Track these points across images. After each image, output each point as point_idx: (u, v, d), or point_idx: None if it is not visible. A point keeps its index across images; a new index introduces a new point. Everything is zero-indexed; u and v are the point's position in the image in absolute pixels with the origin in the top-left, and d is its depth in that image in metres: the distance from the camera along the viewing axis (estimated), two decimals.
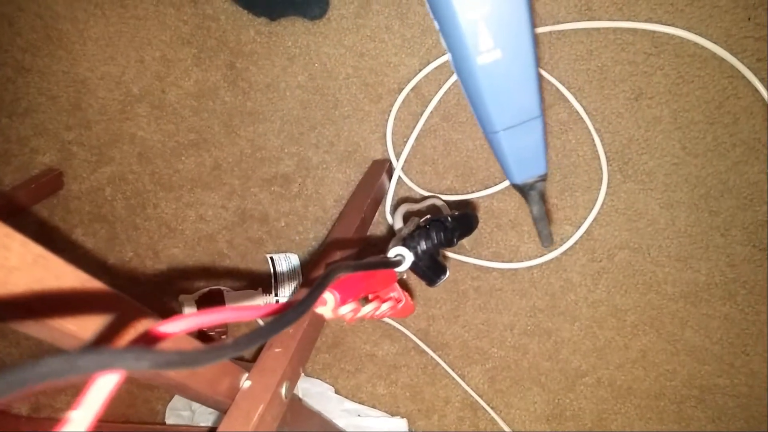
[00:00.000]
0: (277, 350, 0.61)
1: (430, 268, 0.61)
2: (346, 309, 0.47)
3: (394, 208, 0.95)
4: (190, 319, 0.29)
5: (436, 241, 0.60)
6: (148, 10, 1.02)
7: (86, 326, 0.36)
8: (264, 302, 0.98)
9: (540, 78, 0.43)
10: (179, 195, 1.04)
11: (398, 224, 0.71)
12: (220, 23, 1.01)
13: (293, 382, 0.61)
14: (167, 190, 1.04)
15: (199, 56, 1.02)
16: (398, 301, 0.59)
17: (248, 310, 0.34)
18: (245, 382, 0.57)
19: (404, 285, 0.65)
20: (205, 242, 1.04)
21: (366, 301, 0.57)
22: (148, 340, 0.28)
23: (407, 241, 0.59)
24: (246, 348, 0.28)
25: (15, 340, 1.08)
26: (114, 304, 0.38)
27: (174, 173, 1.04)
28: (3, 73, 1.05)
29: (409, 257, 0.57)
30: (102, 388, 0.22)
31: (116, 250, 1.06)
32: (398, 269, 0.58)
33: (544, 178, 0.52)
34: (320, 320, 0.68)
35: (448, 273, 0.62)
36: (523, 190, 0.51)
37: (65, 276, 0.34)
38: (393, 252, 0.58)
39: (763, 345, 0.90)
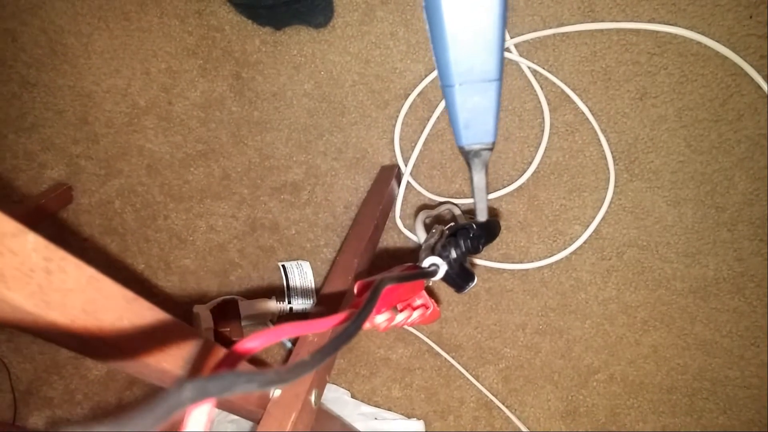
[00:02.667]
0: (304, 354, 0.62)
1: (460, 276, 0.62)
2: (382, 318, 0.48)
3: (414, 216, 0.96)
4: (266, 336, 0.30)
5: (464, 249, 0.61)
6: (152, 22, 1.03)
7: (134, 343, 0.37)
8: (277, 310, 0.99)
9: (504, 43, 0.44)
10: (189, 206, 1.05)
11: (421, 233, 0.72)
12: (225, 33, 1.01)
13: (321, 389, 0.62)
14: (177, 201, 1.05)
15: (204, 67, 1.03)
16: (426, 307, 0.61)
17: (315, 324, 0.35)
18: (275, 392, 0.58)
19: (429, 291, 0.66)
20: (217, 252, 1.05)
21: (396, 309, 0.58)
22: (232, 358, 0.29)
23: (439, 251, 0.60)
24: (321, 362, 0.29)
25: (29, 355, 1.09)
26: (157, 319, 0.39)
27: (183, 184, 1.04)
28: (8, 89, 1.05)
29: (443, 266, 0.58)
30: (199, 418, 0.23)
31: (128, 263, 1.06)
32: (434, 279, 0.59)
33: (490, 148, 0.53)
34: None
35: (476, 279, 0.63)
36: (467, 155, 0.51)
37: (114, 296, 0.34)
38: (427, 262, 0.59)
39: None
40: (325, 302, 0.70)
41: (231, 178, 1.04)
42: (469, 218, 0.77)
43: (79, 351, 0.33)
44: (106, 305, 0.32)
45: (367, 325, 0.48)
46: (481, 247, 0.64)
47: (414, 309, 0.59)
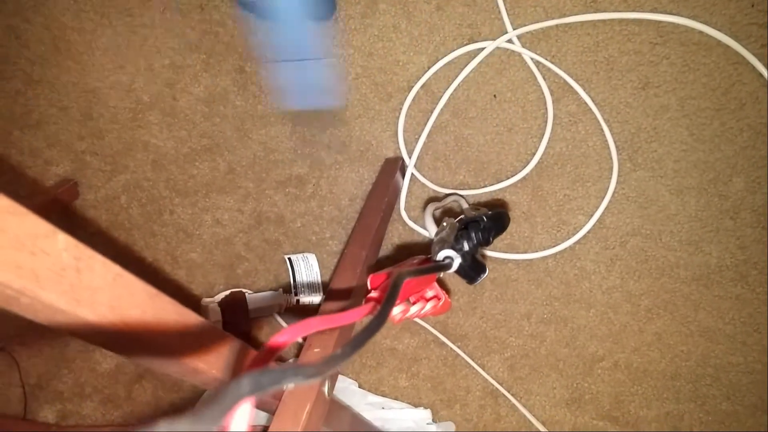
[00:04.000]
0: (316, 350, 0.63)
1: (472, 268, 0.63)
2: (397, 310, 0.49)
3: (422, 209, 0.97)
4: (297, 329, 0.32)
5: (475, 242, 0.62)
6: (155, 18, 1.03)
7: (157, 337, 0.37)
8: (285, 302, 1.00)
9: None
10: (195, 200, 1.05)
11: (431, 226, 0.73)
12: (227, 28, 1.02)
13: (333, 380, 0.63)
14: (183, 195, 1.05)
15: (208, 62, 1.03)
16: (438, 299, 0.62)
17: (341, 317, 0.36)
18: (289, 384, 0.58)
19: (440, 283, 0.67)
20: (223, 246, 1.06)
21: (409, 302, 0.59)
22: (268, 353, 0.31)
23: (453, 244, 0.61)
24: (353, 353, 0.31)
25: (39, 350, 1.10)
26: (178, 313, 0.40)
27: (189, 179, 1.05)
28: (12, 86, 1.06)
29: (457, 259, 0.59)
30: (245, 412, 0.24)
31: (135, 257, 1.07)
32: (448, 272, 0.60)
33: None
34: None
35: (487, 271, 0.64)
36: None
37: (138, 292, 0.35)
38: (441, 255, 0.60)
39: None
40: (335, 295, 0.71)
41: (236, 172, 1.04)
42: (475, 209, 0.78)
43: (107, 346, 0.34)
44: (131, 301, 0.32)
45: None
46: (491, 238, 0.65)
47: (427, 301, 0.60)
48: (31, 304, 0.27)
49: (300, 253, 1.03)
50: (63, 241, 0.28)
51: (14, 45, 1.05)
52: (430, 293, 0.61)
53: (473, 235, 0.62)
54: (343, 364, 0.30)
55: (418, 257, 0.60)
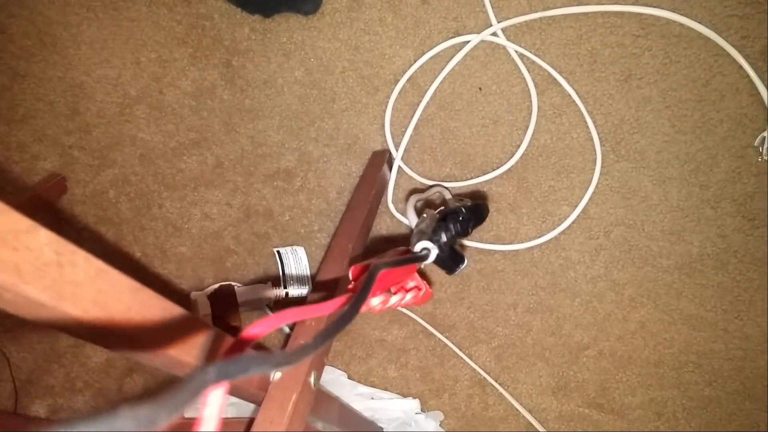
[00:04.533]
0: (302, 342, 0.64)
1: (450, 258, 0.64)
2: (377, 301, 0.50)
3: (405, 200, 0.98)
4: (271, 321, 0.32)
5: (453, 233, 0.63)
6: (141, 12, 1.03)
7: (142, 331, 0.38)
8: (274, 296, 1.00)
9: None
10: (183, 194, 1.06)
11: (412, 217, 0.74)
12: (214, 22, 1.02)
13: (319, 371, 0.64)
14: (171, 189, 1.06)
15: (195, 56, 1.03)
16: (419, 289, 0.63)
17: (315, 308, 0.37)
18: (276, 374, 0.60)
19: (421, 273, 0.68)
20: (212, 239, 1.06)
21: (390, 292, 0.60)
22: (240, 344, 0.31)
23: (430, 236, 0.62)
24: (323, 344, 0.31)
25: (29, 345, 1.10)
26: (162, 308, 0.40)
27: (177, 173, 1.05)
28: None
29: (434, 250, 0.60)
30: (216, 398, 0.25)
31: (124, 252, 1.07)
32: (425, 262, 0.61)
33: None
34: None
35: (466, 261, 0.65)
36: None
37: (122, 287, 0.36)
38: (419, 246, 0.60)
39: (755, 310, 0.95)
40: (321, 287, 0.72)
41: (224, 166, 1.05)
42: (458, 200, 0.79)
43: (92, 341, 0.35)
44: (114, 296, 0.33)
45: (363, 308, 0.50)
46: (470, 230, 0.66)
47: (407, 291, 0.61)
48: (14, 299, 0.27)
49: (289, 246, 1.03)
50: (45, 236, 0.29)
51: (0, 40, 1.05)
52: (411, 284, 0.62)
53: (451, 226, 0.63)
54: (314, 353, 0.30)
55: (399, 249, 0.61)
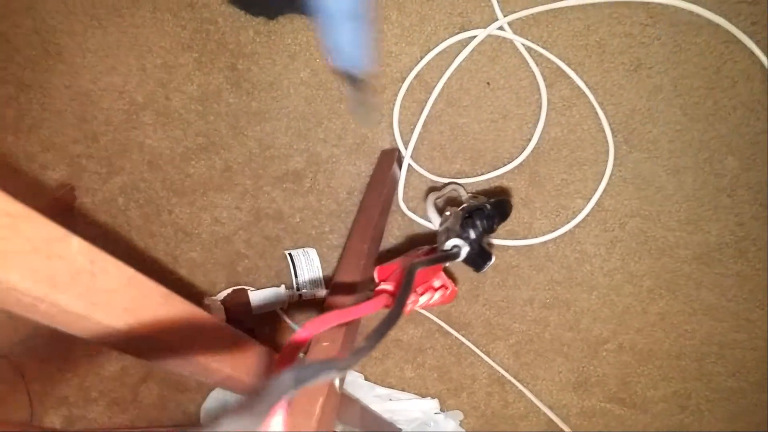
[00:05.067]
0: (324, 344, 0.63)
1: (479, 255, 0.63)
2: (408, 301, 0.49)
3: (424, 199, 0.97)
4: (316, 324, 0.32)
5: (481, 230, 0.62)
6: (145, 18, 1.02)
7: (176, 338, 0.37)
8: (287, 298, 1.00)
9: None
10: (192, 199, 1.05)
11: (433, 216, 0.73)
12: (218, 26, 1.01)
13: (344, 374, 0.63)
14: (180, 195, 1.05)
15: (200, 60, 1.02)
16: (446, 288, 0.62)
17: (358, 310, 0.37)
18: None
19: (447, 272, 0.67)
20: (223, 244, 1.06)
21: (417, 292, 0.59)
22: (292, 348, 0.31)
23: (459, 233, 0.61)
24: (376, 344, 0.31)
25: (43, 355, 1.09)
26: (190, 313, 0.40)
27: (185, 178, 1.05)
28: (4, 91, 1.05)
29: (465, 247, 0.60)
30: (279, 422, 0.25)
31: (135, 259, 1.06)
32: (457, 260, 0.60)
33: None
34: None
35: (494, 258, 0.65)
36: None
37: (152, 293, 0.35)
38: (450, 244, 0.60)
39: None
40: (339, 289, 0.71)
41: (233, 170, 1.04)
42: (473, 197, 0.78)
43: (121, 349, 0.34)
44: (145, 303, 0.32)
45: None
46: (495, 226, 0.65)
47: (435, 290, 0.60)
48: (48, 310, 0.27)
49: (300, 248, 1.03)
50: (77, 244, 0.28)
51: (5, 50, 1.04)
52: (437, 283, 0.62)
53: (478, 223, 0.62)
54: (368, 354, 0.30)
55: (422, 248, 0.61)
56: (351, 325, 0.65)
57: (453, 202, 0.95)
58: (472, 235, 0.61)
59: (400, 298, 0.37)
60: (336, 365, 0.26)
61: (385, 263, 0.59)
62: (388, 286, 0.56)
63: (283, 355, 0.32)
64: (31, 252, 0.25)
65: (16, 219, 0.26)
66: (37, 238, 0.26)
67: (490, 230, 0.64)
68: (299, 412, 0.53)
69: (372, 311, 0.39)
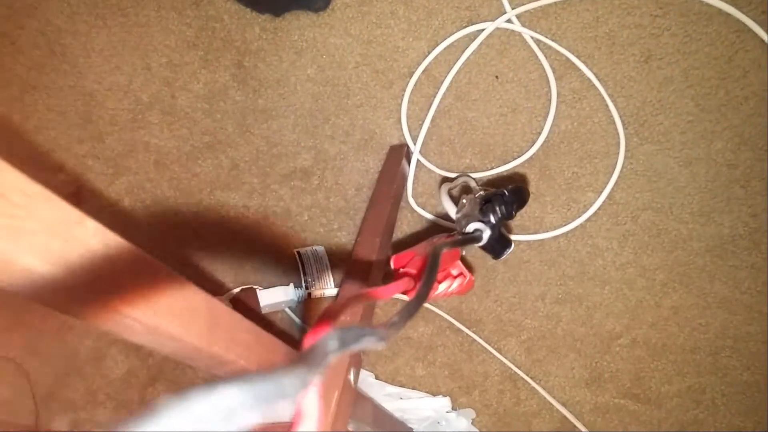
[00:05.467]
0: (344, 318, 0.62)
1: (499, 242, 0.62)
2: None
3: (438, 189, 0.96)
4: (348, 300, 0.31)
5: (500, 215, 0.61)
6: (150, 17, 1.02)
7: (192, 328, 0.36)
8: (296, 297, 0.98)
9: None
10: (199, 199, 1.04)
11: (448, 205, 0.72)
12: (224, 23, 1.01)
13: (358, 368, 0.62)
14: (187, 195, 1.04)
15: (206, 58, 1.02)
16: (464, 276, 0.61)
17: (384, 290, 0.36)
18: None
19: (464, 262, 0.66)
20: (230, 243, 1.05)
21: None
22: (329, 316, 0.30)
23: (480, 217, 0.60)
24: (408, 319, 0.30)
25: (48, 359, 1.08)
26: (208, 302, 0.39)
27: (192, 177, 1.04)
28: (9, 93, 1.04)
29: (486, 231, 0.59)
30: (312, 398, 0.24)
31: None
32: (479, 244, 0.59)
33: None
34: (372, 307, 0.69)
35: (513, 245, 0.64)
36: None
37: (167, 281, 0.34)
38: (471, 227, 0.59)
39: None
40: (351, 279, 0.70)
41: (240, 168, 1.03)
42: (484, 189, 0.77)
43: (138, 340, 0.33)
44: (159, 290, 0.32)
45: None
46: (514, 212, 0.65)
47: (454, 278, 0.59)
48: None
49: (309, 246, 1.02)
50: (92, 227, 0.27)
51: (9, 51, 1.04)
52: (455, 271, 0.61)
53: (497, 208, 0.61)
54: (402, 328, 0.29)
55: (440, 235, 0.60)
56: (366, 312, 0.64)
57: (467, 191, 0.94)
58: (492, 219, 0.60)
59: (428, 276, 0.36)
60: (377, 332, 0.25)
61: (400, 252, 0.59)
62: (410, 270, 0.55)
63: (319, 324, 0.31)
64: (47, 233, 0.24)
65: (32, 199, 0.25)
66: (53, 219, 0.25)
67: (509, 216, 0.64)
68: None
69: (397, 292, 0.38)
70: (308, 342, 0.30)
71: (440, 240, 0.58)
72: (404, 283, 0.38)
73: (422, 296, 0.34)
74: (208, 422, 0.14)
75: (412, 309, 0.31)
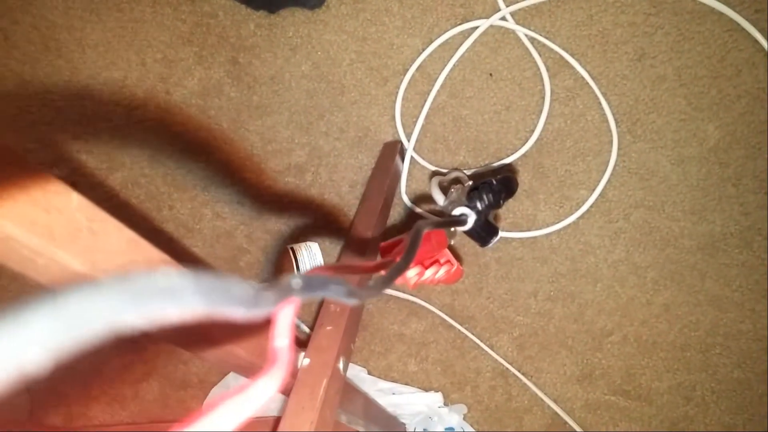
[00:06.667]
0: (328, 328, 0.62)
1: (484, 229, 0.63)
2: (413, 273, 0.49)
3: (429, 179, 0.97)
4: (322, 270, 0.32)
5: (487, 202, 0.62)
6: (145, 12, 1.02)
7: None
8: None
9: None
10: (194, 195, 1.04)
11: (438, 195, 0.73)
12: (219, 19, 1.01)
13: (347, 357, 0.62)
14: (181, 190, 1.05)
15: (200, 54, 1.02)
16: (452, 264, 0.61)
17: (364, 266, 0.36)
18: (304, 360, 0.58)
19: (452, 251, 0.67)
20: (224, 239, 1.05)
21: (423, 266, 0.58)
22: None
23: (466, 203, 0.61)
24: (384, 288, 0.31)
25: None
26: None
27: (186, 173, 1.04)
28: (4, 88, 1.05)
29: (471, 216, 0.59)
30: (289, 313, 0.24)
31: None
32: (463, 228, 0.60)
33: None
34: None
35: (500, 233, 0.64)
36: None
37: (153, 259, 0.35)
38: (458, 211, 0.59)
39: None
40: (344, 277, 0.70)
41: (234, 164, 1.03)
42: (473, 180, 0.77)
43: None
44: (146, 267, 0.32)
45: (398, 281, 0.48)
46: (502, 201, 0.65)
47: (441, 265, 0.59)
48: (47, 264, 0.26)
49: (302, 242, 1.02)
50: (76, 200, 0.27)
51: (3, 46, 1.04)
52: (442, 259, 0.61)
53: (485, 195, 0.62)
54: (377, 294, 0.30)
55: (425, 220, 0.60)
56: (353, 312, 0.64)
57: (457, 183, 0.94)
58: (479, 205, 0.61)
59: (409, 249, 0.37)
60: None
61: (387, 241, 0.59)
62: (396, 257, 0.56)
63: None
64: (29, 203, 0.25)
65: (12, 168, 0.25)
66: (33, 187, 0.25)
67: (496, 204, 0.64)
68: (303, 393, 0.52)
69: (379, 269, 0.38)
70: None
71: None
72: (388, 262, 0.38)
73: (401, 267, 0.34)
74: (148, 298, 0.14)
75: (389, 278, 0.31)
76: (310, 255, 1.00)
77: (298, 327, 1.03)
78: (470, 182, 0.66)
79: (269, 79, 1.01)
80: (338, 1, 0.99)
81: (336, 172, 1.02)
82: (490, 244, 0.64)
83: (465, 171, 0.97)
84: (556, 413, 0.99)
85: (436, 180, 0.77)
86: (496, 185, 0.64)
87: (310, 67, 1.01)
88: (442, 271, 0.59)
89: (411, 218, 1.01)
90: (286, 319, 0.23)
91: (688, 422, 0.98)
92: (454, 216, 0.59)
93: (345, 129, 1.01)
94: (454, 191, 0.65)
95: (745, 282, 0.94)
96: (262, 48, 1.01)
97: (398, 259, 0.37)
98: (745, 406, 0.96)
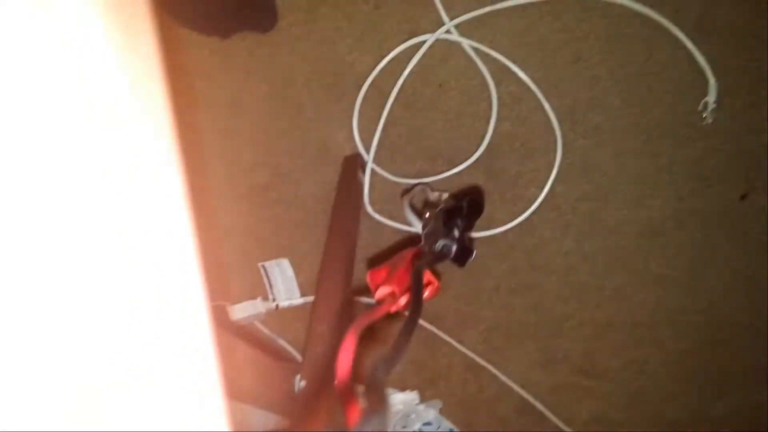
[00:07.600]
0: (317, 350, 0.66)
1: (463, 253, 0.68)
2: (404, 300, 0.54)
3: (400, 199, 1.01)
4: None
5: (461, 228, 0.67)
6: None
7: None
8: (265, 309, 1.02)
9: None
10: None
11: (413, 219, 0.77)
12: (173, 47, 1.02)
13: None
14: None
15: None
16: (433, 284, 0.66)
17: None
18: (301, 383, 0.62)
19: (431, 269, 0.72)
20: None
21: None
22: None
23: (445, 234, 0.66)
24: (404, 348, 0.34)
25: None
26: None
27: None
28: None
29: (453, 246, 0.64)
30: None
31: None
32: (448, 259, 0.64)
33: None
34: (350, 317, 0.73)
35: (475, 253, 0.69)
36: None
37: None
38: (440, 245, 0.64)
39: (715, 263, 1.03)
40: (326, 292, 0.75)
41: (198, 189, 1.05)
42: (441, 195, 0.82)
43: None
44: None
45: (393, 308, 0.53)
46: (473, 222, 0.70)
47: (426, 287, 0.64)
48: None
49: (273, 259, 1.05)
50: None
51: None
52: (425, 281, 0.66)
53: (459, 222, 0.67)
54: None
55: (409, 249, 0.65)
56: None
57: (428, 203, 0.99)
58: (456, 233, 0.66)
59: (414, 299, 0.41)
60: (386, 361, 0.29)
61: (374, 268, 0.63)
62: (387, 290, 0.60)
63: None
64: None
65: None
66: None
67: (470, 227, 0.70)
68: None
69: (385, 312, 0.43)
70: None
71: (410, 252, 0.63)
72: (388, 304, 0.42)
73: (413, 320, 0.39)
74: None
75: (407, 336, 0.36)
76: (282, 271, 1.03)
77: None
78: (442, 206, 0.71)
79: (227, 103, 1.04)
80: (289, 24, 1.02)
81: (300, 188, 1.05)
82: (467, 264, 0.69)
83: (426, 180, 1.02)
84: (524, 399, 1.06)
85: (407, 201, 0.82)
86: (466, 209, 0.69)
87: (267, 89, 1.03)
88: (426, 293, 0.64)
89: (378, 228, 1.05)
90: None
91: (642, 395, 1.07)
92: (440, 252, 0.64)
93: (305, 146, 1.05)
94: (429, 216, 0.69)
95: (683, 261, 1.03)
96: (217, 73, 1.03)
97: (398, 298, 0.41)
98: (693, 375, 1.06)
